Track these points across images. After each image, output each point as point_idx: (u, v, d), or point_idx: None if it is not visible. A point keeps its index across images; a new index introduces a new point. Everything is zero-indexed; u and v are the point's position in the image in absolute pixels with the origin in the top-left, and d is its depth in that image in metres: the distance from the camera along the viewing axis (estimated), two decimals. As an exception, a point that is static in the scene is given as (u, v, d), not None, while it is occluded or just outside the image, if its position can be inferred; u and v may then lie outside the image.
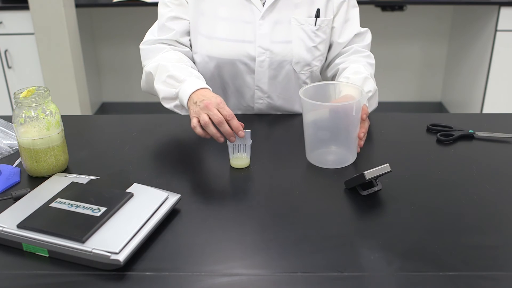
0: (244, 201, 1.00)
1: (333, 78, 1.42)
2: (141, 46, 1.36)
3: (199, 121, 1.09)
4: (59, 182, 0.99)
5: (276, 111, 1.44)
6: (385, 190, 1.01)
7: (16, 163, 1.13)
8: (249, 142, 1.09)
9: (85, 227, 0.83)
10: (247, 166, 1.11)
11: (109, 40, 3.48)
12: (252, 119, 1.36)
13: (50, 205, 0.90)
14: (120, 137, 1.27)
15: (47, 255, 0.83)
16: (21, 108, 1.02)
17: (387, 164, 0.97)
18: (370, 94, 1.27)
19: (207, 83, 1.21)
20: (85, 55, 3.17)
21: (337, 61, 1.40)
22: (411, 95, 3.65)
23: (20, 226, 0.85)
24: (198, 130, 1.09)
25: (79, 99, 3.00)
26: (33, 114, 1.02)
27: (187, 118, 1.18)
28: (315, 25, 1.33)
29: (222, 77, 1.38)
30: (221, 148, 1.13)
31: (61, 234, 0.82)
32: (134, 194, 0.94)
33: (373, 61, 1.39)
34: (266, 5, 1.30)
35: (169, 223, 0.91)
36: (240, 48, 1.32)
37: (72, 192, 0.94)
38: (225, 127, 1.07)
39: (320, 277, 0.78)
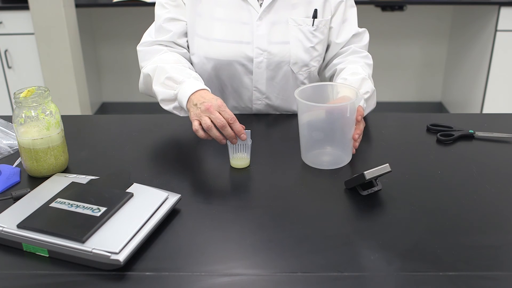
0: (244, 201, 1.00)
1: (331, 78, 1.42)
2: (138, 47, 1.36)
3: (200, 124, 1.09)
4: (59, 182, 0.99)
5: (274, 111, 1.44)
6: (385, 190, 1.01)
7: (16, 163, 1.13)
8: (249, 142, 1.09)
9: (85, 227, 0.83)
10: (247, 166, 1.11)
11: (109, 40, 3.48)
12: (250, 120, 1.36)
13: (50, 205, 0.90)
14: (120, 137, 1.27)
15: (47, 255, 0.83)
16: (21, 108, 1.02)
17: (387, 164, 0.97)
18: (367, 95, 1.26)
19: (205, 85, 1.20)
20: (85, 55, 3.17)
21: (335, 61, 1.40)
22: (411, 95, 3.66)
23: (20, 226, 0.85)
24: (201, 133, 1.09)
25: (79, 99, 3.00)
26: (33, 114, 1.02)
27: (187, 118, 1.18)
28: (312, 25, 1.33)
29: (220, 79, 1.38)
30: (221, 148, 1.13)
31: (61, 234, 0.82)
32: (134, 194, 0.94)
33: (371, 62, 1.39)
34: (263, 5, 1.30)
35: (169, 223, 0.91)
36: (237, 49, 1.32)
37: (72, 192, 0.94)
38: (228, 131, 1.06)
39: (320, 277, 0.78)
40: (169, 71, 1.23)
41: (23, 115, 1.02)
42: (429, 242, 0.86)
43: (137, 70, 1.40)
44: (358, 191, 1.00)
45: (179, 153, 1.20)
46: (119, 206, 0.90)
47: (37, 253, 0.84)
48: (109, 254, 0.79)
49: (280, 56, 1.33)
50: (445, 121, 1.31)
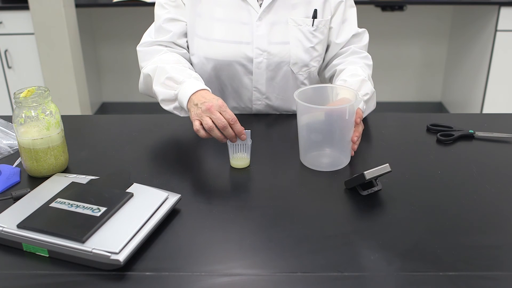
0: (244, 201, 1.00)
1: (330, 79, 1.42)
2: (138, 48, 1.36)
3: (201, 124, 1.09)
4: (59, 182, 0.99)
5: (274, 112, 1.44)
6: (385, 190, 1.01)
7: (16, 163, 1.13)
8: (249, 142, 1.09)
9: (85, 227, 0.83)
10: (247, 166, 1.11)
11: (109, 40, 3.48)
12: (250, 120, 1.36)
13: (50, 205, 0.90)
14: (120, 137, 1.27)
15: (47, 255, 0.83)
16: (21, 108, 1.02)
17: (387, 164, 0.97)
18: (367, 97, 1.26)
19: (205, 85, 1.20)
20: (85, 55, 3.17)
21: (334, 62, 1.39)
22: (411, 95, 3.66)
23: (20, 226, 0.85)
24: (202, 133, 1.09)
25: (79, 99, 3.00)
26: (33, 114, 1.02)
27: (187, 118, 1.18)
28: (312, 25, 1.33)
29: (220, 79, 1.38)
30: (221, 148, 1.13)
31: (61, 234, 0.82)
32: (134, 194, 0.94)
33: (371, 62, 1.39)
34: (263, 6, 1.30)
35: (169, 223, 0.91)
36: (237, 49, 1.32)
37: (72, 192, 0.94)
38: (229, 131, 1.07)
39: (320, 277, 0.78)
40: (170, 71, 1.23)
41: (23, 115, 1.02)
42: (429, 242, 0.86)
43: (137, 70, 1.40)
44: (358, 191, 1.00)
45: (179, 153, 1.20)
46: (119, 206, 0.90)
47: (37, 253, 0.84)
48: (109, 254, 0.79)
49: (280, 57, 1.33)
50: (445, 121, 1.31)
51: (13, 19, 2.87)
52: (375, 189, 0.99)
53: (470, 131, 1.25)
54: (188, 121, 1.16)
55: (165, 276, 0.79)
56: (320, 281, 0.78)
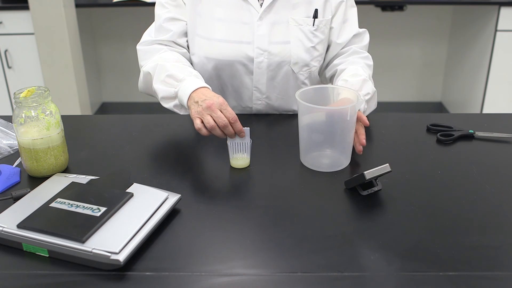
0: (244, 201, 1.00)
1: (331, 78, 1.42)
2: (138, 47, 1.36)
3: (202, 122, 1.09)
4: (59, 182, 0.99)
5: (274, 111, 1.44)
6: (385, 190, 1.01)
7: (16, 163, 1.13)
8: (249, 141, 1.09)
9: (85, 227, 0.83)
10: (247, 166, 1.11)
11: (109, 40, 3.48)
12: (251, 120, 1.36)
13: (50, 205, 0.90)
14: (120, 137, 1.27)
15: (47, 255, 0.83)
16: (21, 108, 1.02)
17: (387, 164, 0.97)
18: (368, 96, 1.26)
19: None
20: (85, 55, 3.17)
21: (335, 62, 1.40)
22: (411, 95, 3.66)
23: (20, 226, 0.85)
24: (204, 132, 1.09)
25: (79, 99, 3.00)
26: (33, 114, 1.02)
27: (187, 118, 1.18)
28: (313, 25, 1.33)
29: (220, 78, 1.38)
30: (221, 148, 1.13)
31: (61, 234, 0.82)
32: (134, 194, 0.94)
33: (371, 62, 1.39)
34: (264, 5, 1.30)
35: (169, 223, 0.91)
36: (238, 49, 1.32)
37: (72, 192, 0.94)
38: (229, 130, 1.07)
39: (320, 277, 0.78)
40: (170, 69, 1.23)
41: (23, 115, 1.02)
42: (429, 242, 0.86)
43: (137, 70, 1.40)
44: (358, 191, 1.00)
45: (179, 153, 1.20)
46: (119, 206, 0.90)
47: (37, 253, 0.84)
48: (109, 254, 0.79)
49: (281, 56, 1.33)
50: (445, 121, 1.31)
51: (13, 19, 2.87)
52: (375, 189, 0.99)
53: (470, 131, 1.25)
54: (188, 121, 1.16)
55: (165, 276, 0.79)
56: (320, 281, 0.78)
